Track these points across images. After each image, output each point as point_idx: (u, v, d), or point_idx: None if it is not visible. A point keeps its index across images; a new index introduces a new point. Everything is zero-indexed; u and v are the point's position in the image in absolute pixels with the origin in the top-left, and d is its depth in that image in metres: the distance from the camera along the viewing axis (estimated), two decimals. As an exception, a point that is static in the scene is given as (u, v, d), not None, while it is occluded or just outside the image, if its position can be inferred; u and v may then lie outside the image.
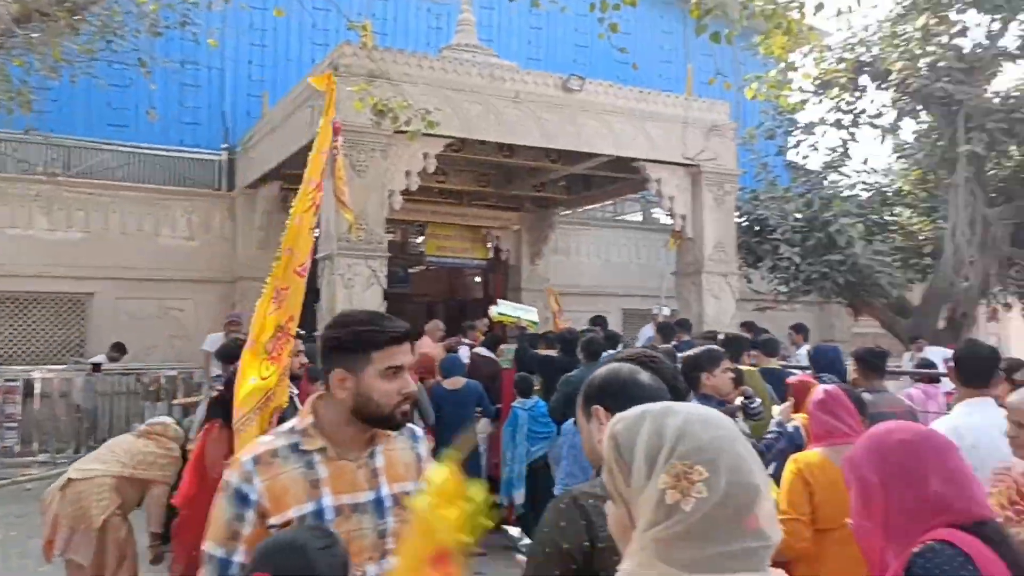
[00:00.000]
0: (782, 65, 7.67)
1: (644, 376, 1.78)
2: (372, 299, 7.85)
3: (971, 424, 2.88)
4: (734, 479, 0.95)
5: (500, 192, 12.77)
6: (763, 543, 0.94)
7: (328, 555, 1.52)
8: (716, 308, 10.15)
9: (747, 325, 9.35)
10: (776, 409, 3.95)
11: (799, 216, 12.37)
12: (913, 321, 12.39)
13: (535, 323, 7.58)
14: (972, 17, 11.37)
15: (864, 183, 14.65)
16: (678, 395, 2.03)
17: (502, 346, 7.57)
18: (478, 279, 15.88)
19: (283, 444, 1.82)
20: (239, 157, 12.63)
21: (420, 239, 13.64)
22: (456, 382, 6.51)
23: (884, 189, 14.73)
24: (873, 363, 4.52)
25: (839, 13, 12.25)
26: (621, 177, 11.21)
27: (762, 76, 7.96)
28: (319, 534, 1.60)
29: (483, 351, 7.47)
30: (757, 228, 12.73)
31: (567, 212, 14.72)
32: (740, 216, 12.54)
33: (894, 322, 12.83)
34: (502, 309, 7.64)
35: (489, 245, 13.91)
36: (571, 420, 4.47)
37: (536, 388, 6.65)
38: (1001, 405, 3.74)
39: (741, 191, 12.35)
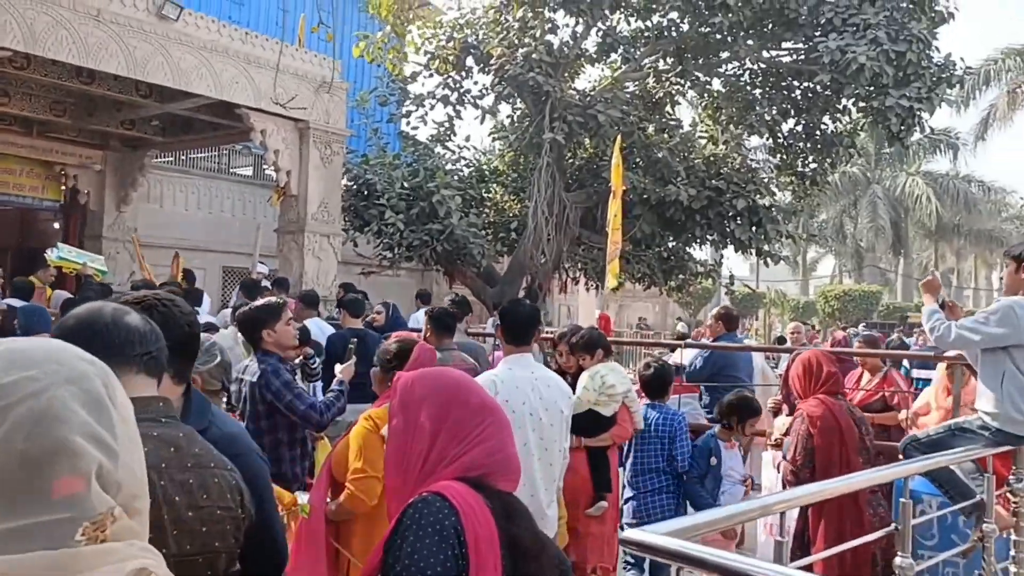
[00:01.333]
0: (388, 28, 7.74)
1: (133, 318, 1.52)
2: None
3: (506, 378, 3.09)
4: (38, 434, 0.73)
5: (79, 125, 11.16)
6: (74, 513, 0.73)
7: None
8: (317, 268, 10.05)
9: (345, 287, 9.37)
10: (339, 367, 3.92)
11: (406, 185, 12.73)
12: (498, 289, 13.56)
13: (103, 272, 6.66)
14: (562, 17, 12.67)
15: (465, 159, 15.65)
16: (192, 343, 1.82)
17: (43, 287, 6.42)
18: (57, 224, 13.74)
19: None
20: None
21: (-29, 171, 11.39)
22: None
23: (482, 167, 15.90)
24: (444, 322, 4.73)
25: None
26: (225, 124, 10.48)
27: (370, 36, 7.95)
28: None
29: (12, 302, 6.24)
30: (365, 192, 12.85)
31: (166, 159, 13.40)
32: (349, 179, 12.54)
33: (482, 290, 13.92)
34: (63, 253, 6.57)
35: (65, 186, 12.11)
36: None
37: None
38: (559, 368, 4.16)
39: (351, 154, 12.35)
